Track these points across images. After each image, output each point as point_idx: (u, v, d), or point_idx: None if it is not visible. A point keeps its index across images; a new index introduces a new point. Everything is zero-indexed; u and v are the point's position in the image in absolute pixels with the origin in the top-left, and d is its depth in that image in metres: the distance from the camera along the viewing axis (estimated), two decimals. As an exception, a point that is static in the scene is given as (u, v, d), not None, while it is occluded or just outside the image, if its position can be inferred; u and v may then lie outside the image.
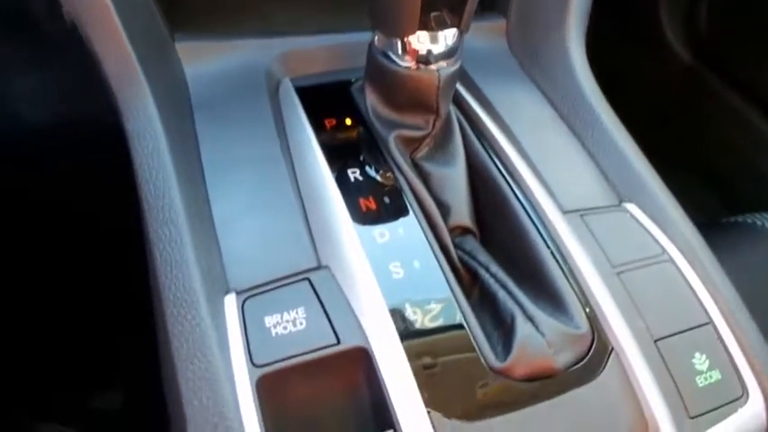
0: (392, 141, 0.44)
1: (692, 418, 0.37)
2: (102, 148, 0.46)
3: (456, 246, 0.43)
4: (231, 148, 0.42)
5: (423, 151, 0.46)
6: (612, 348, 0.37)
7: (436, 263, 0.38)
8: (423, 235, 0.40)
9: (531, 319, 0.37)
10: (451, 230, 0.43)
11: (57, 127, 0.61)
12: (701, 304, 0.41)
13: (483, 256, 0.41)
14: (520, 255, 0.42)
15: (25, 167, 0.64)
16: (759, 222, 0.83)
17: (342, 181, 0.42)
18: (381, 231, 0.39)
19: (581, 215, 0.44)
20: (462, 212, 0.44)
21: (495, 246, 0.44)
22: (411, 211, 0.41)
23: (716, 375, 0.39)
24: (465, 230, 0.44)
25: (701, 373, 0.39)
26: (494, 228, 0.44)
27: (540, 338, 0.36)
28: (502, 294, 0.38)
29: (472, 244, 0.43)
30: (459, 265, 0.41)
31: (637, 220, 0.45)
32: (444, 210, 0.44)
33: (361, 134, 0.46)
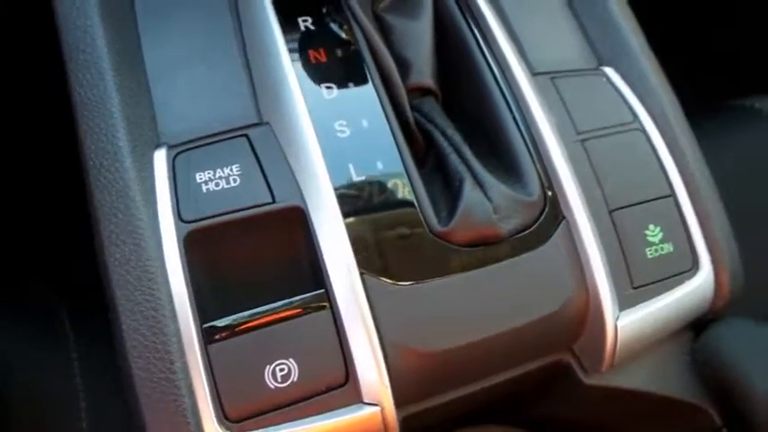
0: None
1: (636, 288, 0.37)
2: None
3: (414, 107, 0.40)
4: None
5: (386, 1, 0.42)
6: (564, 217, 0.36)
7: (386, 122, 0.36)
8: (374, 92, 0.37)
9: (480, 184, 0.35)
10: (411, 90, 0.40)
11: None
12: (666, 176, 0.39)
13: (441, 119, 0.39)
14: (481, 118, 0.39)
15: None
16: (758, 105, 0.80)
17: (291, 30, 0.38)
18: (329, 86, 0.37)
19: (552, 77, 0.41)
20: (424, 71, 0.41)
21: (458, 108, 0.41)
22: (365, 67, 0.38)
23: (667, 248, 0.38)
24: (426, 91, 0.41)
25: (652, 244, 0.38)
26: (457, 89, 0.41)
27: (486, 204, 0.34)
28: (453, 158, 0.37)
29: (431, 105, 0.40)
30: (414, 127, 0.39)
31: (613, 85, 0.42)
32: (405, 67, 0.40)
33: None
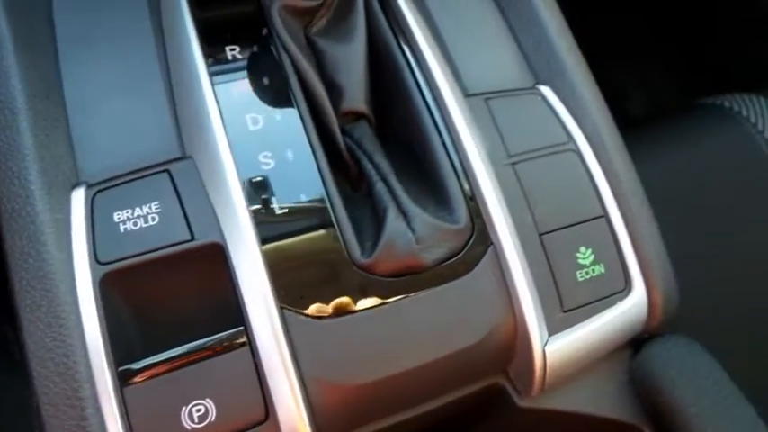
0: (276, 12, 0.39)
1: (566, 311, 0.37)
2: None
3: (346, 133, 0.40)
4: (92, 21, 0.38)
5: (318, 25, 0.42)
6: (491, 243, 0.36)
7: (311, 153, 0.36)
8: (300, 122, 0.37)
9: (404, 213, 0.35)
10: (344, 115, 0.40)
11: None
12: (599, 197, 0.39)
13: (370, 145, 0.39)
14: (412, 143, 0.39)
15: None
16: (727, 104, 0.80)
17: (217, 59, 0.38)
18: (255, 117, 0.36)
19: (486, 98, 0.41)
20: (356, 96, 0.41)
21: (391, 133, 0.41)
22: (291, 95, 0.38)
23: (599, 269, 0.38)
24: (360, 116, 0.41)
25: (583, 267, 0.38)
26: (390, 114, 0.41)
27: (408, 234, 0.34)
28: (379, 187, 0.36)
29: (362, 131, 0.40)
30: (346, 153, 0.39)
31: (548, 105, 0.42)
32: (337, 93, 0.40)
33: (248, 4, 0.41)
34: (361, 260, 0.34)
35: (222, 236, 0.33)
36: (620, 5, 1.03)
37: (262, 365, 0.31)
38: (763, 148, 0.74)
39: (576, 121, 0.41)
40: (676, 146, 0.78)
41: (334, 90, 0.40)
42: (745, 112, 0.77)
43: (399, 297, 0.34)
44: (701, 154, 0.75)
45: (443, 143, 0.38)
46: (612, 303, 0.38)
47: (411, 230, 0.35)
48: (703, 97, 0.84)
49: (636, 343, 0.41)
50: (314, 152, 0.36)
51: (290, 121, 0.37)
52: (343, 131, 0.40)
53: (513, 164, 0.39)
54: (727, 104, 0.79)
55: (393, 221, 0.35)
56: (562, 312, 0.37)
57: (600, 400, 0.40)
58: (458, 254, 0.35)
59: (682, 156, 0.76)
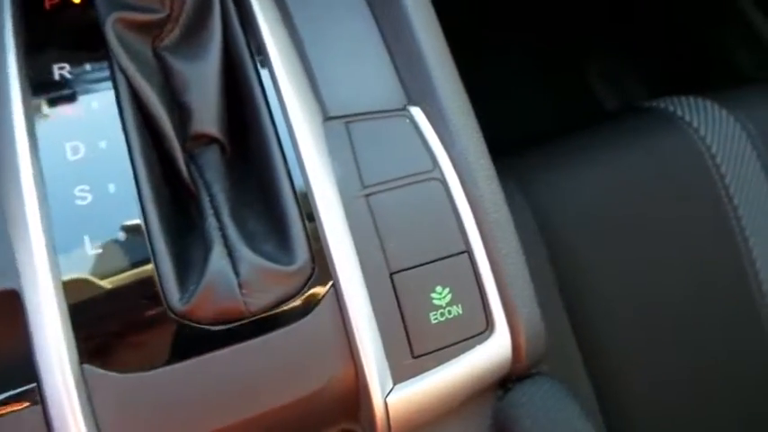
0: (110, 26, 0.36)
1: (416, 357, 0.34)
2: None
3: (194, 160, 0.37)
4: None
5: (168, 39, 0.38)
6: (333, 285, 0.33)
7: (134, 184, 0.33)
8: (127, 151, 0.34)
9: (230, 253, 0.32)
10: (194, 139, 0.37)
11: None
12: (463, 231, 0.36)
13: (212, 174, 0.36)
14: (260, 173, 0.36)
15: None
16: (671, 108, 0.77)
17: (41, 80, 0.35)
18: (76, 146, 0.33)
19: (347, 122, 0.38)
20: (207, 118, 0.37)
21: (244, 162, 0.38)
22: (122, 120, 0.34)
23: (456, 311, 0.35)
24: (212, 140, 0.38)
25: (438, 308, 0.35)
26: (244, 139, 0.38)
27: (230, 278, 0.32)
28: (210, 222, 0.33)
29: (209, 157, 0.37)
30: (190, 183, 0.36)
31: (416, 129, 0.38)
32: (186, 114, 0.37)
33: (84, 17, 0.37)
34: (179, 306, 0.31)
35: (19, 282, 0.30)
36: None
37: (53, 427, 0.29)
38: (704, 155, 0.72)
39: (444, 147, 0.38)
40: (612, 150, 0.75)
41: (183, 111, 0.37)
42: (688, 117, 0.75)
43: (221, 347, 0.31)
44: (637, 160, 0.72)
45: (288, 174, 0.35)
46: (471, 347, 0.36)
47: (235, 274, 0.32)
48: (647, 99, 0.81)
49: (506, 384, 0.39)
50: (138, 184, 0.33)
51: (116, 150, 0.34)
52: (192, 157, 0.37)
53: (368, 195, 0.36)
54: (671, 108, 0.77)
55: (216, 262, 0.32)
56: (412, 358, 0.34)
57: None
58: (293, 297, 0.33)
59: (617, 162, 0.73)
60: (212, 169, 0.36)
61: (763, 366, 0.64)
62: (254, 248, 0.33)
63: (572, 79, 1.27)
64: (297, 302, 0.33)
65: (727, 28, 1.06)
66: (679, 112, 0.75)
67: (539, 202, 0.65)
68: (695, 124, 0.73)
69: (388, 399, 0.33)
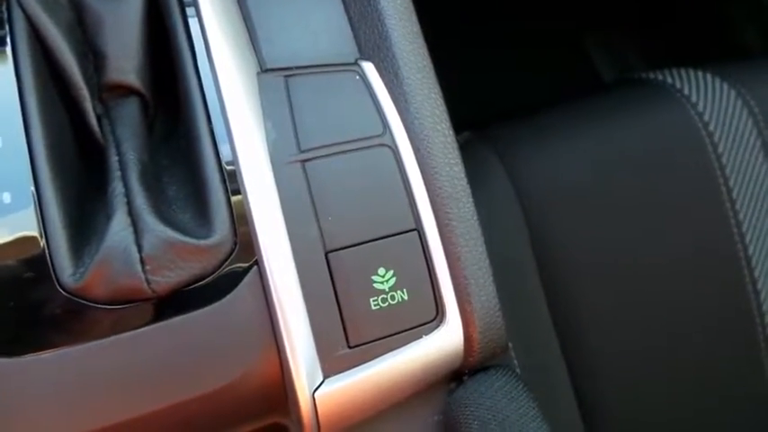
0: None
1: (352, 347, 0.30)
2: None
3: (108, 113, 0.32)
4: None
5: None
6: (255, 263, 0.29)
7: (24, 140, 0.28)
8: (18, 101, 0.29)
9: (134, 222, 0.28)
10: (110, 89, 0.32)
11: None
12: (413, 206, 0.32)
13: (123, 130, 0.31)
14: (185, 132, 0.32)
15: None
16: (669, 80, 0.72)
17: None
18: None
19: (286, 75, 0.33)
20: (125, 66, 0.32)
21: (166, 118, 0.33)
22: (18, 66, 0.30)
23: (400, 296, 0.31)
24: (132, 92, 0.33)
25: (380, 293, 0.31)
26: (170, 94, 0.33)
27: (131, 251, 0.27)
28: (114, 186, 0.29)
29: (124, 111, 0.32)
30: (101, 139, 0.31)
31: (367, 86, 0.34)
32: (100, 60, 0.32)
33: None
34: (70, 282, 0.27)
35: None
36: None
37: None
38: (701, 131, 0.67)
39: (398, 109, 0.33)
40: (601, 122, 0.71)
41: (98, 57, 0.32)
42: (687, 90, 0.70)
43: (121, 330, 0.27)
44: (628, 133, 0.68)
45: (212, 133, 0.30)
46: (417, 337, 0.31)
47: (137, 247, 0.27)
48: (643, 71, 0.76)
49: (459, 376, 0.35)
50: (29, 138, 0.28)
51: (6, 101, 0.29)
52: (107, 108, 0.32)
53: (304, 161, 0.31)
54: (669, 80, 0.72)
55: (115, 234, 0.27)
56: (347, 348, 0.30)
57: None
58: (207, 276, 0.28)
59: (605, 134, 0.69)
60: (125, 125, 0.31)
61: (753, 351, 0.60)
62: (168, 219, 0.28)
63: (571, 52, 1.21)
64: (211, 282, 0.28)
65: (734, 2, 1.00)
66: (678, 84, 0.70)
67: (519, 176, 0.61)
68: (693, 98, 0.68)
69: (316, 394, 0.29)
